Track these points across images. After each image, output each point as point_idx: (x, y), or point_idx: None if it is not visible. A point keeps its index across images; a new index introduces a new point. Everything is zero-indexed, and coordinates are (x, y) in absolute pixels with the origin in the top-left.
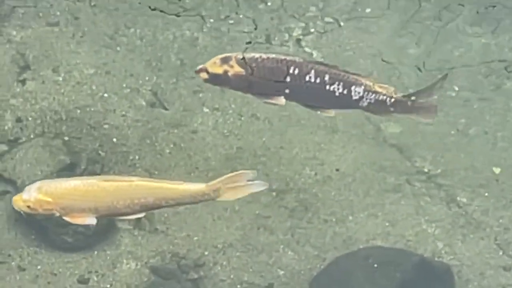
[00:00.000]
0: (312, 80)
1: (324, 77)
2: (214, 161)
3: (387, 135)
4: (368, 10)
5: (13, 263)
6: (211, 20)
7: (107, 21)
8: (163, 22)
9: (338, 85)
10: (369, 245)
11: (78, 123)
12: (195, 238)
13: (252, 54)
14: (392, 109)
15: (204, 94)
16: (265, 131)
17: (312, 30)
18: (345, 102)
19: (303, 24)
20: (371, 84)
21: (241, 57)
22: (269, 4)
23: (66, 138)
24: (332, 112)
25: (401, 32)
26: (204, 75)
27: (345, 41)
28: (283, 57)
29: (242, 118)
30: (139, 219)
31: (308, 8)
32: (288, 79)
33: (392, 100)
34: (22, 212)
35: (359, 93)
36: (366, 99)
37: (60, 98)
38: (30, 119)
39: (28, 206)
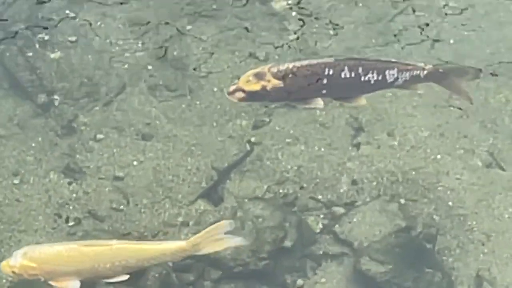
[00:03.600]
0: (348, 75)
1: (358, 70)
2: None
3: None
4: None
5: None
6: None
7: None
8: (495, 85)
9: (372, 73)
10: None
11: (412, 186)
12: None
13: (286, 65)
14: (425, 80)
15: None
16: None
17: None
18: (380, 86)
19: None
20: (402, 64)
21: (274, 70)
22: None
23: (402, 201)
24: (363, 100)
25: None
26: (240, 95)
27: None
28: (315, 61)
29: None
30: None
31: None
32: (324, 81)
33: (425, 72)
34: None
35: (393, 75)
36: (401, 78)
37: (395, 161)
38: (366, 181)
39: (14, 272)
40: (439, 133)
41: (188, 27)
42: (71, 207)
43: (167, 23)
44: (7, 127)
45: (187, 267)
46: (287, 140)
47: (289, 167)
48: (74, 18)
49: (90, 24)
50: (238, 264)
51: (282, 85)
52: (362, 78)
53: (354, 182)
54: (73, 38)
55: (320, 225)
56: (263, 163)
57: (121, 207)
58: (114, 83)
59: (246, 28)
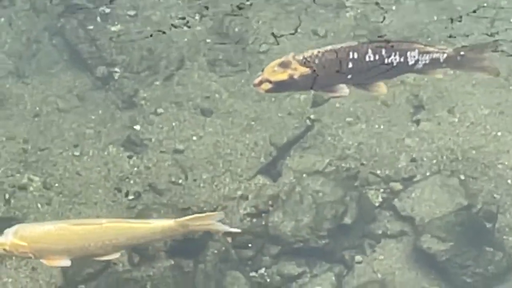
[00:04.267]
0: (372, 58)
1: (381, 52)
2: None
3: None
4: None
5: None
6: None
7: None
8: None
9: (395, 55)
10: None
11: (472, 163)
12: None
13: (310, 52)
14: (444, 65)
15: None
16: None
17: None
18: (401, 69)
19: None
20: (423, 46)
21: (300, 57)
22: None
23: (462, 177)
24: (384, 88)
25: None
26: (266, 86)
27: None
28: (339, 46)
29: None
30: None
31: None
32: (350, 65)
33: (445, 55)
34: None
35: (414, 57)
36: (421, 61)
37: (455, 138)
38: (425, 159)
39: (4, 249)
40: (498, 111)
41: (248, 2)
42: (131, 181)
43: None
44: (66, 99)
45: (245, 243)
46: (347, 119)
47: (350, 143)
48: None
49: None
50: (298, 240)
51: (309, 72)
52: (385, 61)
53: (413, 159)
54: (133, 12)
55: (380, 199)
56: (325, 139)
57: (180, 181)
58: (174, 56)
59: (306, 4)
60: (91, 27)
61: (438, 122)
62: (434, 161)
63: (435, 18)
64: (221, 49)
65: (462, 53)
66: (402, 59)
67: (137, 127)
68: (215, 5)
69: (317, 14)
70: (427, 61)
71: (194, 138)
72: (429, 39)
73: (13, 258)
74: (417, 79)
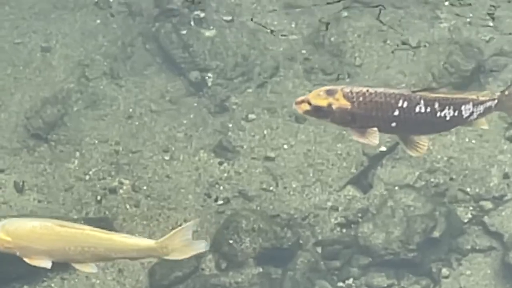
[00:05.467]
0: (423, 110)
1: (434, 105)
2: None
3: None
4: None
5: None
6: None
7: None
8: None
9: (449, 109)
10: None
11: None
12: None
13: (359, 88)
14: (494, 110)
15: None
16: None
17: None
18: (454, 123)
19: None
20: (476, 97)
21: (347, 90)
22: None
23: None
24: (425, 149)
25: None
26: (305, 107)
27: None
28: (391, 91)
29: None
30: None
31: None
32: (396, 112)
33: (496, 101)
34: None
35: (469, 109)
36: (476, 112)
37: None
38: None
39: None
40: None
41: (344, 13)
42: (221, 187)
43: (322, 8)
44: (159, 103)
45: (334, 253)
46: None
47: (439, 157)
48: None
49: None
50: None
51: (349, 107)
52: (438, 114)
53: (505, 176)
54: (228, 18)
55: (470, 215)
56: None
57: (271, 188)
58: (269, 64)
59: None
60: (185, 31)
61: None
62: None
63: None
64: (317, 58)
65: (507, 93)
66: (456, 113)
67: (229, 133)
68: (311, 15)
69: (410, 25)
70: (481, 111)
71: (285, 146)
72: None
73: None
74: None
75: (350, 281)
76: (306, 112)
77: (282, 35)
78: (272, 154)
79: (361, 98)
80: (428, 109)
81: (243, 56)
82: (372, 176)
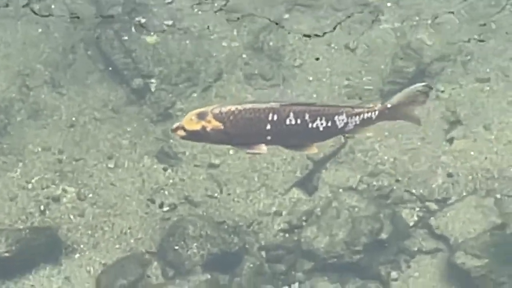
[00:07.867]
0: (293, 122)
1: (304, 116)
2: None
3: None
4: None
5: None
6: None
7: None
8: None
9: (321, 120)
10: None
11: (509, 182)
12: None
13: (229, 107)
14: (376, 121)
15: None
16: None
17: None
18: (331, 133)
19: None
20: (351, 109)
21: (216, 111)
22: None
23: (498, 196)
24: (315, 149)
25: None
26: (181, 133)
27: None
28: (259, 106)
29: None
30: None
31: None
32: (268, 126)
33: (377, 113)
34: None
35: (343, 120)
36: (351, 123)
37: (492, 156)
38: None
39: None
40: None
41: (285, 15)
42: (166, 192)
43: (263, 12)
44: (102, 111)
45: (279, 257)
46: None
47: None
48: (170, 3)
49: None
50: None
51: (222, 127)
52: (309, 125)
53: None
54: (170, 22)
55: (415, 217)
56: (355, 156)
57: (216, 194)
58: (213, 69)
59: (339, 18)
60: (126, 37)
61: (474, 139)
62: (470, 177)
63: (475, 36)
64: (257, 63)
65: (389, 105)
66: (329, 124)
67: (171, 140)
68: (252, 20)
69: (351, 29)
70: (358, 122)
71: (231, 151)
72: None
73: None
74: (453, 94)
75: (296, 285)
76: (183, 137)
77: (224, 41)
78: (216, 161)
79: (231, 117)
80: (299, 121)
81: (187, 62)
82: (317, 179)
